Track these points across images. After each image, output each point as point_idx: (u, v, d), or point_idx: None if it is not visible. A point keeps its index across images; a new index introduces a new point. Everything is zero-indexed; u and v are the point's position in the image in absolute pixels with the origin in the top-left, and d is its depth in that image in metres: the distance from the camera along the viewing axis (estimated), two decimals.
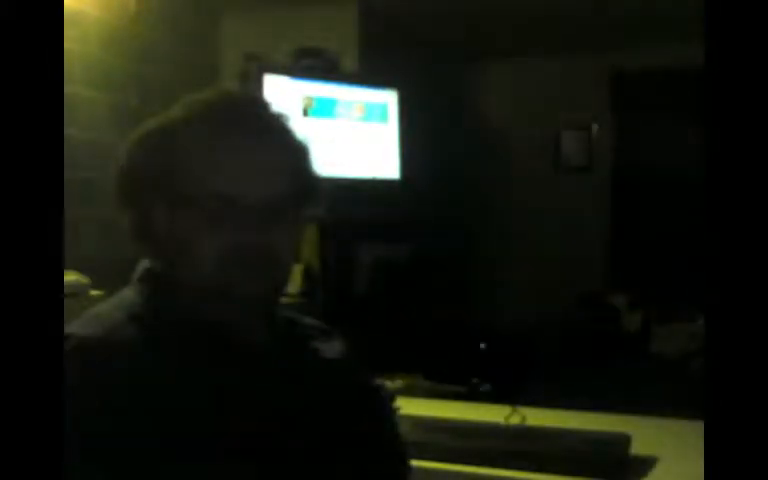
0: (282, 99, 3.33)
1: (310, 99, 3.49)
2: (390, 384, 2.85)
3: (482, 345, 4.20)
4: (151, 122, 1.06)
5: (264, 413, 0.99)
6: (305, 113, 3.46)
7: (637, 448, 1.60)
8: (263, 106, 1.08)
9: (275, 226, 1.01)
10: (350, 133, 3.64)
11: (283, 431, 1.00)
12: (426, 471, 1.56)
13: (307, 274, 3.27)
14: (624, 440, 1.60)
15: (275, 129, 1.06)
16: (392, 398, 1.76)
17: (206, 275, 0.99)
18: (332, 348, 1.16)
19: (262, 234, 1.00)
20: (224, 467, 0.94)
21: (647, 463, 1.55)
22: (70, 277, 2.31)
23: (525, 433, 1.70)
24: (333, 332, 1.20)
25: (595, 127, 5.20)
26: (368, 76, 3.85)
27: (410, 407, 1.97)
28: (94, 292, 2.44)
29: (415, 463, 1.56)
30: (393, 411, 1.51)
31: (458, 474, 1.57)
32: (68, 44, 3.08)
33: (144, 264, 1.08)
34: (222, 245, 0.99)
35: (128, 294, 1.06)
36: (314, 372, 1.11)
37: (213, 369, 0.99)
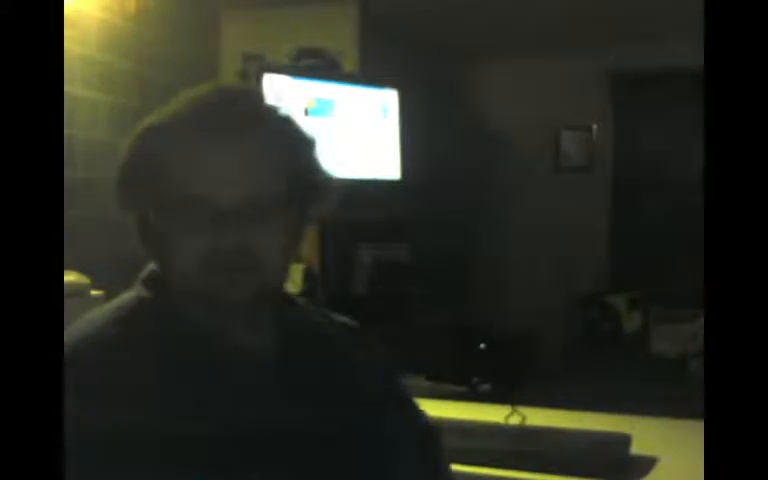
0: (282, 99, 3.33)
1: (310, 99, 3.49)
2: None
3: (482, 345, 4.20)
4: (149, 119, 1.04)
5: (248, 420, 0.96)
6: (305, 113, 3.46)
7: (637, 448, 1.59)
8: (253, 101, 1.05)
9: (256, 227, 0.97)
10: (350, 133, 3.64)
11: (272, 440, 0.97)
12: None
13: (307, 274, 3.27)
14: (624, 440, 1.60)
15: (262, 125, 1.02)
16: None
17: (187, 280, 0.98)
18: (354, 352, 1.13)
19: (240, 237, 0.96)
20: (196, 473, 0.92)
21: (647, 463, 1.55)
22: (70, 277, 2.31)
23: (525, 433, 1.70)
24: (360, 331, 1.16)
25: (595, 127, 5.20)
26: (368, 76, 3.85)
27: None
28: (94, 292, 2.43)
29: None
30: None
31: (458, 474, 1.56)
32: (68, 44, 3.07)
33: (151, 265, 1.07)
34: (200, 249, 0.96)
35: (126, 296, 1.05)
36: (313, 380, 1.05)
37: (192, 374, 0.97)
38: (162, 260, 1.02)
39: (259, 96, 1.08)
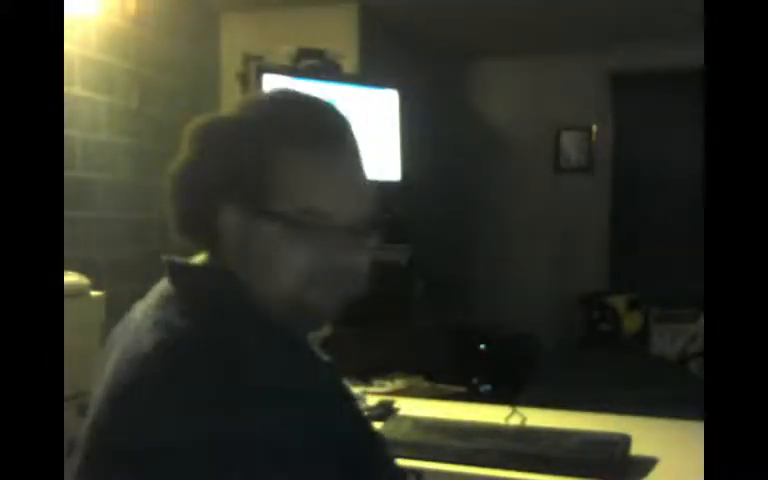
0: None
1: None
2: (390, 384, 2.85)
3: (482, 346, 4.21)
4: (231, 114, 1.00)
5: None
6: None
7: (637, 448, 1.59)
8: (346, 119, 1.04)
9: (360, 246, 0.98)
10: None
11: None
12: (426, 471, 1.56)
13: None
14: (624, 440, 1.60)
15: (359, 144, 1.03)
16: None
17: (290, 290, 0.95)
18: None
19: (350, 254, 0.97)
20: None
21: (647, 463, 1.55)
22: (70, 278, 2.31)
23: (525, 434, 1.70)
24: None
25: (595, 127, 5.20)
26: (368, 76, 3.85)
27: (410, 407, 1.97)
28: (94, 293, 2.43)
29: (415, 463, 1.56)
30: None
31: (458, 474, 1.56)
32: (68, 45, 3.08)
33: (202, 256, 1.02)
34: (312, 263, 0.95)
35: (205, 284, 0.99)
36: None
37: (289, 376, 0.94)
38: (257, 264, 0.96)
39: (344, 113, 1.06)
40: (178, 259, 1.00)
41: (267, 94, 1.03)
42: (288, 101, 1.01)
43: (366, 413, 1.88)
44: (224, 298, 0.95)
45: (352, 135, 1.02)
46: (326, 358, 1.05)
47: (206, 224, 0.98)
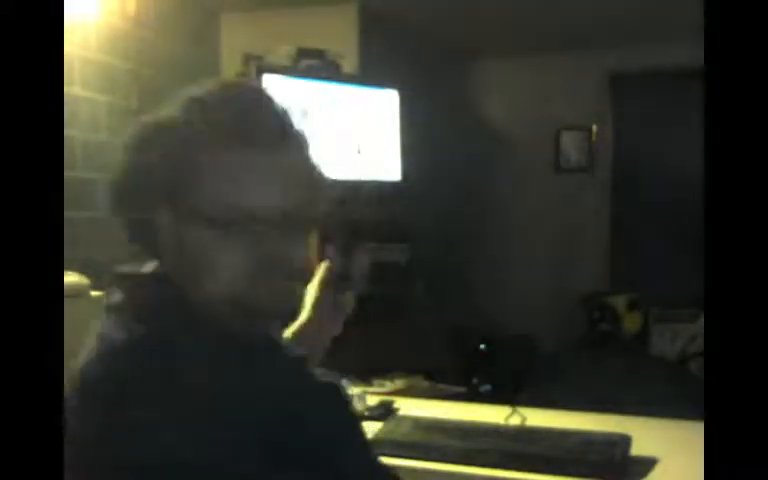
0: (282, 100, 3.33)
1: (310, 100, 3.49)
2: (390, 384, 2.85)
3: (482, 346, 4.21)
4: (159, 116, 0.99)
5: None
6: (305, 114, 3.46)
7: (637, 448, 1.59)
8: (279, 107, 1.01)
9: (295, 239, 0.97)
10: (350, 134, 3.64)
11: None
12: (426, 471, 1.56)
13: None
14: (624, 440, 1.60)
15: (295, 133, 1.01)
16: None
17: (228, 290, 0.94)
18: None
19: (284, 249, 0.96)
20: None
21: (647, 463, 1.55)
22: (70, 278, 2.31)
23: (525, 434, 1.70)
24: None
25: (595, 127, 5.20)
26: (368, 76, 3.85)
27: (410, 407, 1.97)
28: (94, 293, 2.43)
29: (415, 463, 1.56)
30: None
31: (458, 474, 1.56)
32: (68, 47, 3.08)
33: (153, 264, 1.03)
34: (245, 261, 0.94)
35: (145, 295, 1.01)
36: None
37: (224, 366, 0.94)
38: (191, 267, 0.96)
39: (273, 99, 1.02)
40: (123, 267, 1.03)
41: (200, 92, 1.00)
42: (218, 98, 0.99)
43: (365, 413, 1.89)
44: (159, 305, 0.97)
45: (287, 129, 1.00)
46: (297, 354, 1.03)
47: (145, 231, 0.99)
